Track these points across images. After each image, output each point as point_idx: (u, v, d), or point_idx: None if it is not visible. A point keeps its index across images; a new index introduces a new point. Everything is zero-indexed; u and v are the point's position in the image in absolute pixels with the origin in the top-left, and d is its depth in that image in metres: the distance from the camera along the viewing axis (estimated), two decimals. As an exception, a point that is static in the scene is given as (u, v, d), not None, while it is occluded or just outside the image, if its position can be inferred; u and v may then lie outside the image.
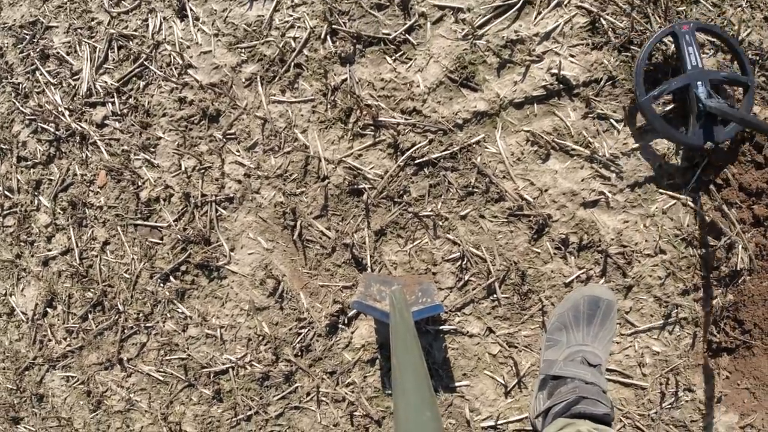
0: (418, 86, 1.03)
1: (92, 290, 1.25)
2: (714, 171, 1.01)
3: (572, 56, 1.02)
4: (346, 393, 1.09)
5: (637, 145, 1.00)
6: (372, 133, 1.04)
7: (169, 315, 1.19)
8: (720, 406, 1.06)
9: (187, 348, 1.18)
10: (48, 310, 1.33)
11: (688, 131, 0.98)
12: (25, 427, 1.35)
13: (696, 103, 0.94)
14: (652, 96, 0.95)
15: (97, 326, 1.25)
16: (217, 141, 1.14)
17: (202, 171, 1.15)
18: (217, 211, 1.13)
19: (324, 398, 1.09)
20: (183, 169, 1.16)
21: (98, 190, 1.24)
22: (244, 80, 1.14)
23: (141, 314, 1.21)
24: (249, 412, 1.14)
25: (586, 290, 0.97)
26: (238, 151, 1.13)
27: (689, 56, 0.95)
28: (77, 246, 1.26)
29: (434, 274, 1.04)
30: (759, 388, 1.09)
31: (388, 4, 1.08)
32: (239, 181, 1.12)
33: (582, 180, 1.00)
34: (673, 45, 0.99)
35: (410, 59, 1.05)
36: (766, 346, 1.10)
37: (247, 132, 1.13)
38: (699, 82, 0.94)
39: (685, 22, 0.98)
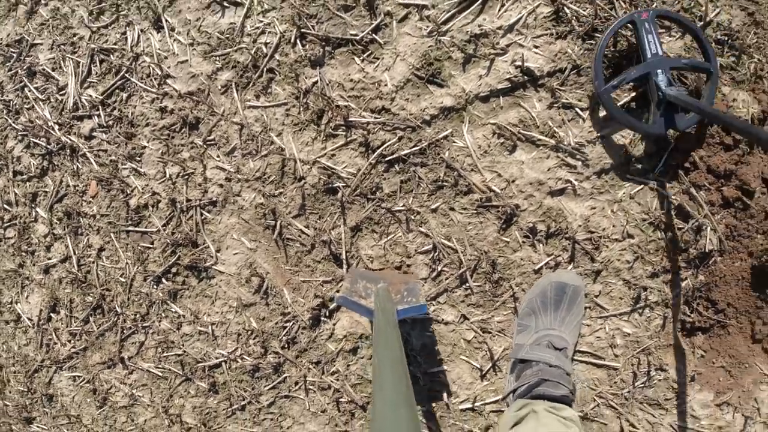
0: (386, 85, 1.00)
1: (91, 294, 1.29)
2: (681, 155, 0.98)
3: (536, 47, 0.99)
4: (331, 381, 1.11)
5: (602, 132, 0.98)
6: (344, 133, 1.02)
7: (163, 315, 1.20)
8: (694, 385, 1.05)
9: (183, 345, 1.22)
10: (52, 315, 1.38)
11: (649, 120, 0.95)
12: (38, 426, 1.36)
13: (656, 91, 0.91)
14: (611, 86, 0.92)
15: (98, 328, 1.29)
16: (198, 147, 1.14)
17: (186, 177, 1.16)
18: (202, 214, 1.13)
19: (311, 387, 1.10)
20: (168, 176, 1.16)
21: (90, 199, 1.27)
22: (220, 87, 1.13)
23: (138, 315, 1.24)
24: (243, 402, 1.14)
25: (554, 276, 0.96)
26: (218, 156, 1.15)
27: (649, 44, 0.92)
28: (75, 253, 1.29)
29: (408, 266, 1.03)
30: (735, 367, 1.05)
31: (354, 5, 1.07)
32: (221, 185, 1.11)
33: (548, 169, 0.97)
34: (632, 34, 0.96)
35: (378, 59, 1.02)
36: (741, 325, 1.10)
37: (226, 137, 1.13)
38: (659, 71, 0.91)
39: (645, 9, 0.94)
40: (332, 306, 1.04)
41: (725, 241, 1.00)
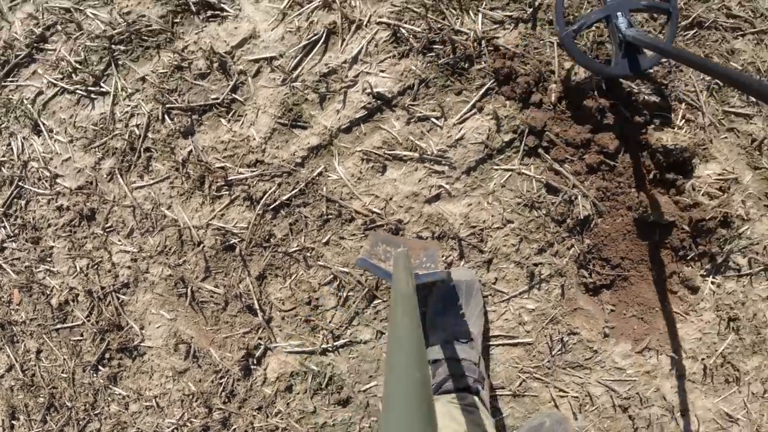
0: (254, 139, 1.03)
1: (41, 396, 1.29)
2: (537, 135, 1.02)
3: (382, 71, 1.02)
4: (277, 422, 1.12)
5: (460, 134, 1.01)
6: (227, 192, 1.04)
7: (110, 399, 1.19)
8: (610, 339, 1.11)
9: (135, 423, 1.22)
10: (14, 422, 1.38)
11: (611, 63, 0.94)
12: None
13: (617, 33, 0.90)
14: (573, 30, 0.91)
15: (56, 425, 1.28)
16: (99, 237, 1.14)
17: (95, 267, 1.16)
18: (118, 298, 1.14)
19: (260, 431, 1.17)
20: (79, 269, 1.16)
21: (17, 307, 1.31)
22: (105, 176, 1.14)
23: (88, 405, 1.24)
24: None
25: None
26: (119, 240, 1.17)
27: None
28: (16, 361, 1.29)
29: (317, 299, 1.10)
30: (646, 313, 1.09)
31: (209, 71, 1.08)
32: (129, 267, 1.12)
33: (419, 180, 1.01)
34: None
35: (242, 116, 1.04)
36: (641, 272, 1.12)
37: (122, 221, 1.13)
38: (619, 13, 0.90)
39: None
40: (258, 353, 1.07)
41: (600, 204, 1.06)
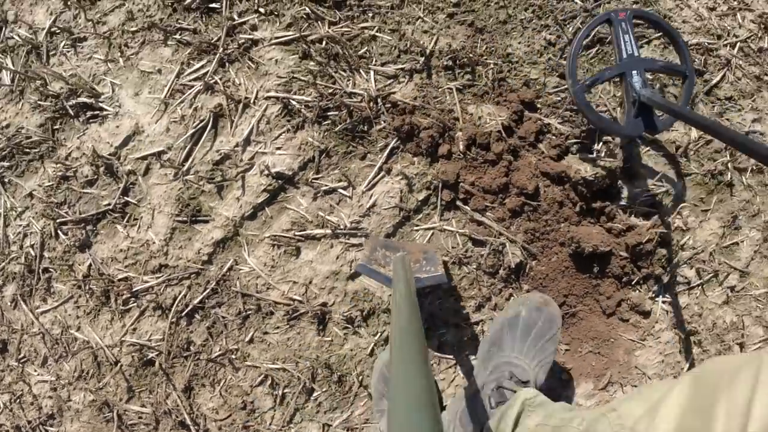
0: (154, 243, 0.93)
1: None
2: (452, 188, 0.94)
3: (279, 148, 0.92)
4: None
5: (371, 201, 0.93)
6: (135, 303, 0.94)
7: None
8: (569, 382, 0.99)
9: None
10: None
11: (624, 121, 0.89)
12: None
13: (631, 92, 0.86)
14: (585, 85, 0.86)
15: None
16: (15, 369, 1.02)
17: (18, 401, 1.04)
18: (46, 431, 1.12)
19: None
20: (3, 405, 1.05)
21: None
22: (9, 303, 1.01)
23: None
24: None
25: (381, 359, 0.91)
26: (35, 370, 1.04)
27: (625, 44, 0.87)
28: None
29: (252, 402, 1.00)
30: (601, 346, 1.01)
31: (95, 176, 0.96)
32: (50, 397, 0.99)
33: (337, 257, 0.91)
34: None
35: (138, 219, 0.94)
36: (588, 305, 1.00)
37: (35, 350, 1.00)
38: (634, 71, 0.86)
39: (622, 9, 0.88)
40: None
41: (530, 246, 0.99)
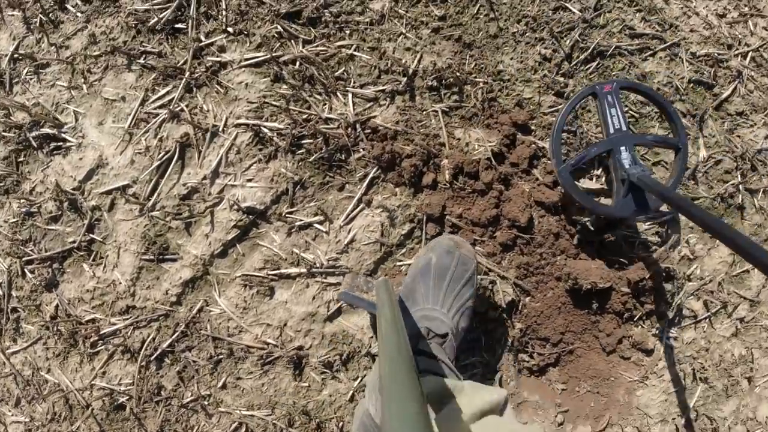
0: (120, 283, 0.85)
1: None
2: (437, 221, 0.85)
3: (249, 180, 0.83)
4: None
5: (350, 236, 0.84)
6: (103, 346, 0.86)
7: None
8: (566, 426, 0.90)
9: None
10: None
11: (613, 200, 0.80)
12: None
13: (620, 170, 0.77)
14: (570, 164, 0.77)
15: None
16: None
17: None
18: None
19: None
20: None
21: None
22: None
23: None
24: None
25: (362, 405, 0.88)
26: (9, 411, 0.97)
27: (611, 119, 0.78)
28: None
29: None
30: (600, 385, 0.92)
31: (60, 212, 0.87)
32: None
33: (314, 298, 0.83)
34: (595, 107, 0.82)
35: (103, 257, 0.86)
36: (587, 342, 0.91)
37: (8, 391, 0.93)
38: (623, 147, 0.77)
39: (608, 81, 0.79)
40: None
41: (523, 282, 0.90)
